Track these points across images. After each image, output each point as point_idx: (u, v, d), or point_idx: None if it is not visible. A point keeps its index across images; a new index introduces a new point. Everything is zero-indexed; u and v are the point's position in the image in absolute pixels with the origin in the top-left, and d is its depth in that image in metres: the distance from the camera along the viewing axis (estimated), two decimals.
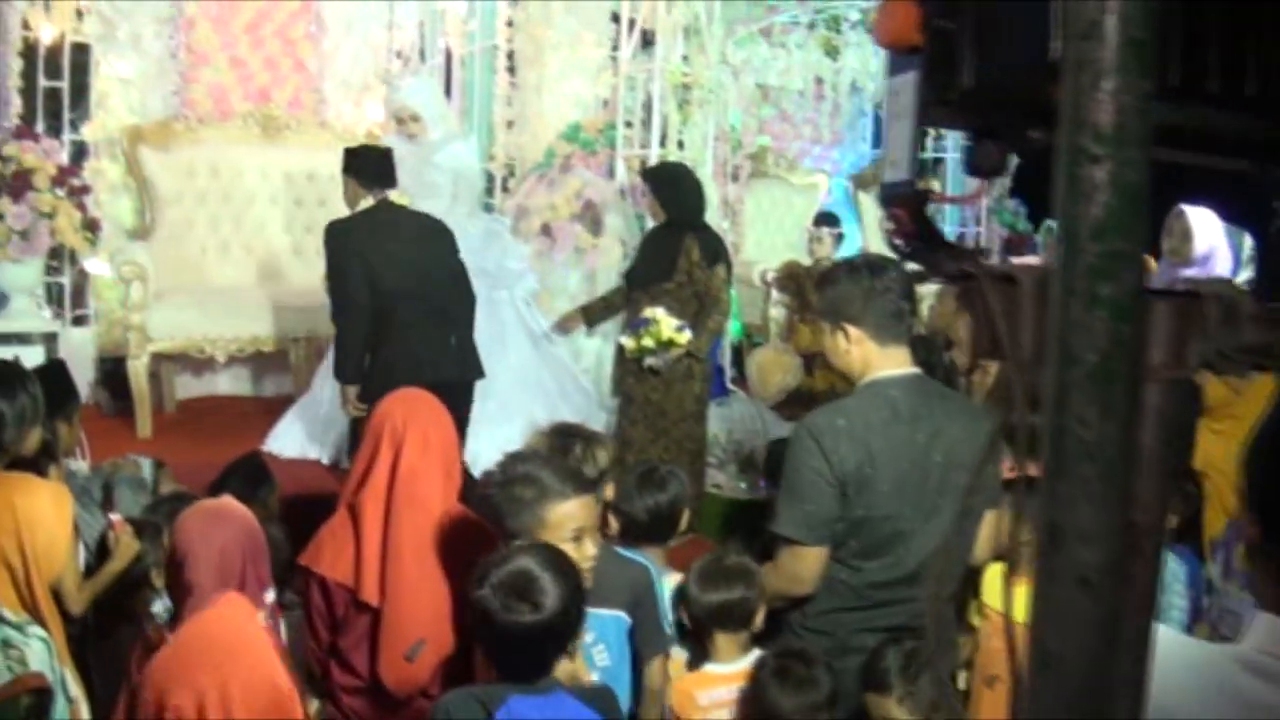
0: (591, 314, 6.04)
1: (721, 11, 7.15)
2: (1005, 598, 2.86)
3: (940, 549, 2.93)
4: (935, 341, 5.42)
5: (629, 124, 7.61)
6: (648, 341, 5.47)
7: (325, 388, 5.94)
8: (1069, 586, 0.87)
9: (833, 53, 7.96)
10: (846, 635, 2.98)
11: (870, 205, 9.53)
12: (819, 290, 3.13)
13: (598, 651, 3.08)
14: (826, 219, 7.65)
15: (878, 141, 10.21)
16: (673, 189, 5.69)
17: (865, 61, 8.01)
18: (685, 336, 5.44)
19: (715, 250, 5.58)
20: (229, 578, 2.96)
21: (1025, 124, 1.05)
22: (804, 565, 2.93)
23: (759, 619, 3.14)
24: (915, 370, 3.00)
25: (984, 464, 2.61)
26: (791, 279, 7.54)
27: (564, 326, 6.15)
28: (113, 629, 3.52)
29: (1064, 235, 0.86)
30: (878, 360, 2.95)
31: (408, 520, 3.05)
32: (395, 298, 5.07)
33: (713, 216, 7.09)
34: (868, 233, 9.43)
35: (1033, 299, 1.00)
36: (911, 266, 1.53)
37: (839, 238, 7.70)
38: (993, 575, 3.86)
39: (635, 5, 7.29)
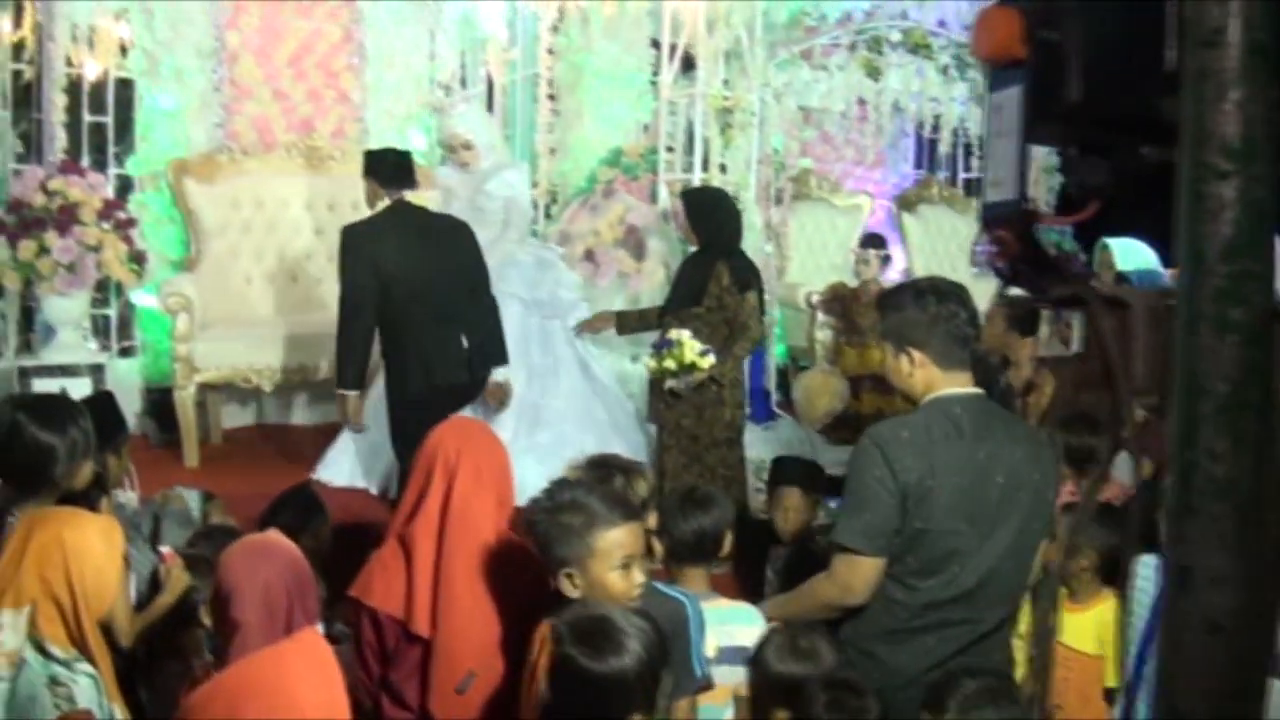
0: (624, 320, 5.95)
1: (763, 35, 7.09)
2: (1043, 623, 2.81)
3: (996, 571, 2.91)
4: (991, 362, 5.32)
5: (670, 148, 7.55)
6: (669, 363, 5.43)
7: (374, 416, 5.91)
8: (1198, 632, 0.81)
9: (874, 74, 7.87)
10: (901, 659, 2.95)
11: (914, 226, 9.44)
12: (882, 313, 3.13)
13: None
14: (873, 240, 7.57)
15: (920, 162, 10.14)
16: (706, 214, 5.63)
17: (907, 82, 7.92)
18: (708, 361, 5.36)
19: (746, 276, 5.50)
20: (274, 614, 2.93)
21: (1137, 139, 0.98)
22: (858, 575, 2.91)
23: None
24: (978, 391, 3.03)
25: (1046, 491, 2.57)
26: (837, 301, 7.46)
27: (594, 325, 6.05)
28: (163, 664, 3.49)
29: (1189, 257, 0.80)
30: (941, 383, 2.98)
31: (460, 551, 3.02)
32: (406, 300, 5.04)
33: (756, 240, 7.05)
34: (912, 254, 9.34)
35: (1145, 324, 0.93)
36: (1015, 291, 1.48)
37: (886, 259, 7.61)
38: None
39: (676, 30, 7.24)
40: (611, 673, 2.33)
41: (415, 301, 5.05)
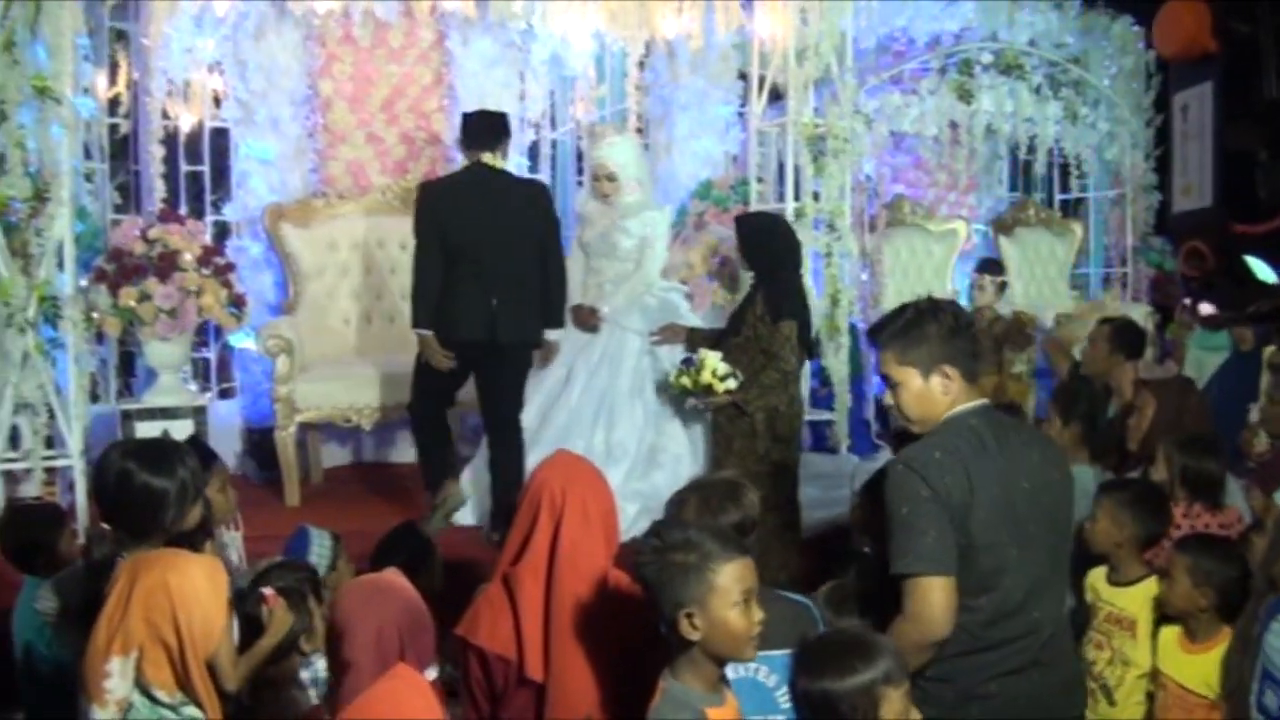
0: (696, 336, 5.74)
1: (852, 62, 6.96)
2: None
3: (1040, 576, 2.88)
4: (1094, 386, 5.10)
5: (761, 179, 7.46)
6: (685, 381, 5.34)
7: (477, 454, 5.92)
8: None
9: (966, 97, 7.70)
10: (969, 682, 2.85)
11: (1011, 250, 9.21)
12: (902, 337, 2.98)
13: (781, 695, 2.95)
14: (990, 266, 7.37)
15: (1015, 185, 9.91)
16: (755, 240, 5.40)
17: (1000, 104, 7.74)
18: (725, 385, 5.20)
19: (780, 304, 5.21)
20: (387, 656, 2.86)
21: None
22: (934, 600, 2.77)
23: None
24: (984, 401, 3.00)
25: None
26: None
27: (665, 336, 5.87)
28: (260, 695, 3.40)
29: None
30: (964, 399, 2.95)
31: (569, 593, 2.93)
32: (456, 254, 5.44)
33: (851, 268, 6.91)
34: (1010, 278, 9.11)
35: None
36: (1206, 308, 1.34)
37: (1002, 286, 7.40)
38: (1168, 641, 3.61)
39: (764, 61, 7.14)
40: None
41: (460, 257, 5.43)
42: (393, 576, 3.35)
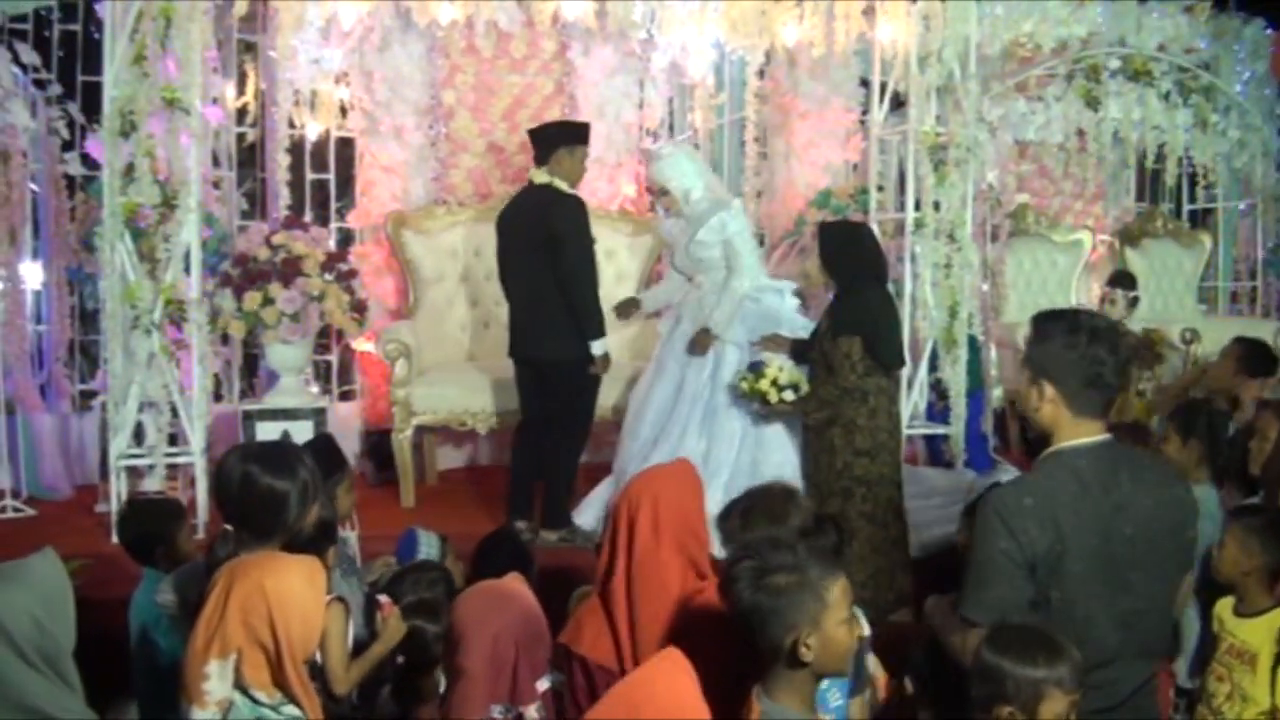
0: (797, 349, 5.58)
1: (976, 68, 6.78)
2: None
3: (1134, 627, 2.75)
4: (1217, 410, 4.86)
5: (881, 187, 7.32)
6: (744, 385, 5.31)
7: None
8: None
9: (1093, 103, 7.45)
10: None
11: (1138, 262, 8.90)
12: (1030, 335, 2.88)
13: (832, 694, 2.98)
14: (1122, 279, 7.12)
15: (1142, 194, 9.59)
16: (834, 250, 5.27)
17: (1127, 111, 7.46)
18: (784, 395, 5.16)
19: (844, 319, 5.07)
20: (500, 665, 2.87)
21: None
22: None
23: None
24: (1104, 438, 2.81)
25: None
26: None
27: (769, 346, 5.68)
28: (405, 713, 3.44)
29: None
30: (1067, 428, 2.80)
31: (647, 606, 2.93)
32: (502, 275, 5.95)
33: (972, 279, 6.72)
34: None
35: None
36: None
37: (1134, 301, 7.14)
38: None
39: (886, 68, 6.99)
40: None
41: (504, 277, 5.88)
42: (513, 584, 3.35)
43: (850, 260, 5.20)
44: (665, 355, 5.96)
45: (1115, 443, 2.83)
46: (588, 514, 5.87)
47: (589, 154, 5.91)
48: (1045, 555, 2.67)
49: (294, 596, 2.86)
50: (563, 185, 5.67)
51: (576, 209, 5.60)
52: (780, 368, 5.29)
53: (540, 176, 5.71)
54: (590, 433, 6.00)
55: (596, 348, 5.65)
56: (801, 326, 5.75)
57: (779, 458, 5.51)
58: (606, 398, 6.32)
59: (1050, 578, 2.69)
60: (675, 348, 5.89)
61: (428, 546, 4.16)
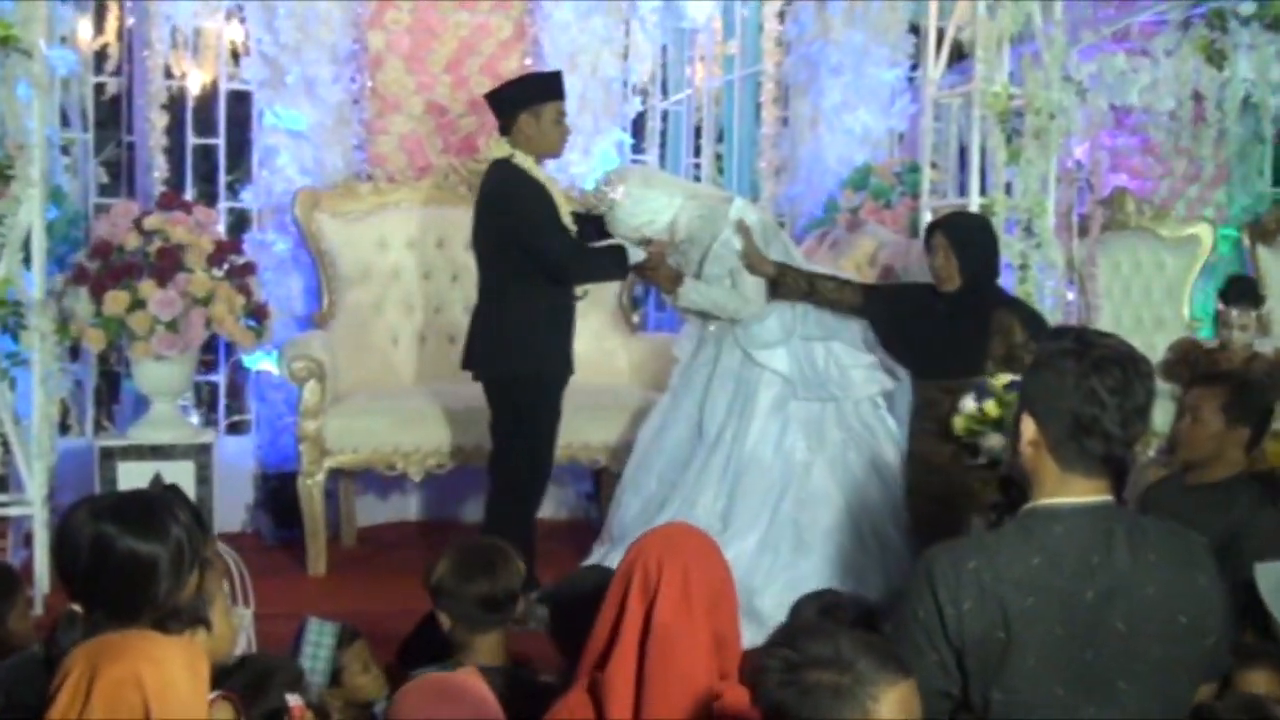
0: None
1: (1062, 14, 6.79)
2: None
3: None
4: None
5: (935, 164, 7.34)
6: (964, 421, 5.30)
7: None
8: None
9: (1216, 60, 7.45)
10: None
11: (1273, 264, 8.91)
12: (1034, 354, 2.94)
13: None
14: (1242, 291, 7.11)
15: (1279, 177, 9.59)
16: (977, 244, 5.51)
17: (1263, 70, 7.42)
18: (993, 438, 5.18)
19: (1036, 328, 5.32)
20: None
21: None
22: None
23: None
24: (1098, 500, 2.77)
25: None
26: (1185, 366, 6.99)
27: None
28: None
29: None
30: (1050, 482, 2.78)
31: (661, 697, 2.86)
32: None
33: (1055, 283, 6.76)
34: (1271, 303, 8.81)
35: None
36: None
37: (1264, 316, 7.16)
38: None
39: (944, 11, 7.01)
40: None
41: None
42: (465, 678, 3.38)
43: (991, 255, 5.70)
44: (683, 388, 5.99)
45: (1115, 507, 2.81)
46: None
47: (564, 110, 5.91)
48: (980, 641, 2.66)
49: (175, 688, 2.79)
50: (524, 160, 5.70)
51: (529, 197, 5.66)
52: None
53: (498, 149, 5.78)
54: (544, 475, 5.97)
55: (633, 256, 5.83)
56: (855, 344, 5.89)
57: (828, 521, 5.56)
58: (603, 435, 6.35)
59: (987, 672, 2.67)
60: (695, 379, 5.93)
61: (316, 641, 4.08)
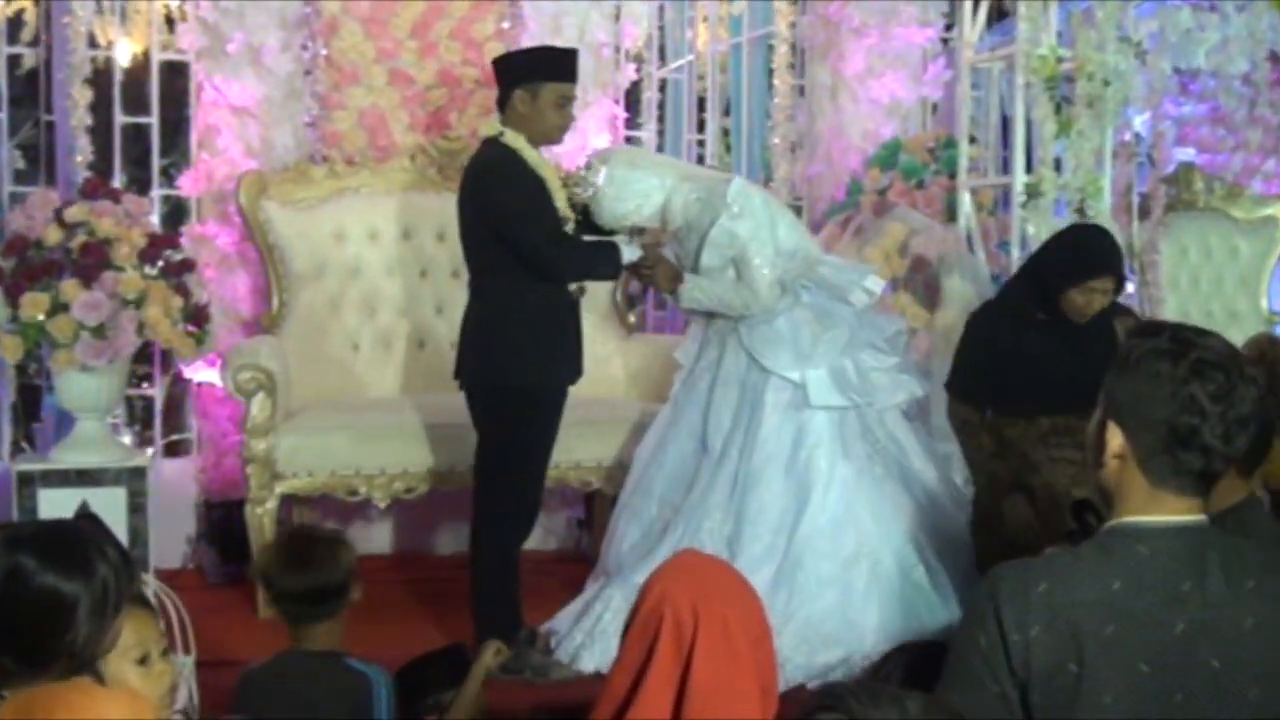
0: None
1: None
2: None
3: None
4: None
5: (974, 138, 7.41)
6: None
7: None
8: None
9: None
10: None
11: None
12: (1119, 353, 2.84)
13: None
14: None
15: None
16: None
17: None
18: None
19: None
20: None
21: None
22: None
23: None
24: (1192, 519, 2.75)
25: None
26: (1263, 365, 6.93)
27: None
28: None
29: None
30: (1137, 497, 2.75)
31: None
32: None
33: None
34: None
35: None
36: None
37: None
38: None
39: None
40: None
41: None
42: None
43: None
44: (686, 397, 5.98)
45: (1210, 530, 2.77)
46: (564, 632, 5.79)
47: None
48: (1048, 673, 2.64)
49: None
50: (515, 140, 5.67)
51: (513, 179, 5.63)
52: None
53: (490, 127, 5.79)
54: (532, 500, 5.91)
55: (627, 254, 5.77)
56: (879, 341, 5.84)
57: (852, 548, 5.55)
58: (596, 453, 6.40)
59: (1055, 709, 2.65)
60: (698, 386, 5.93)
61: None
